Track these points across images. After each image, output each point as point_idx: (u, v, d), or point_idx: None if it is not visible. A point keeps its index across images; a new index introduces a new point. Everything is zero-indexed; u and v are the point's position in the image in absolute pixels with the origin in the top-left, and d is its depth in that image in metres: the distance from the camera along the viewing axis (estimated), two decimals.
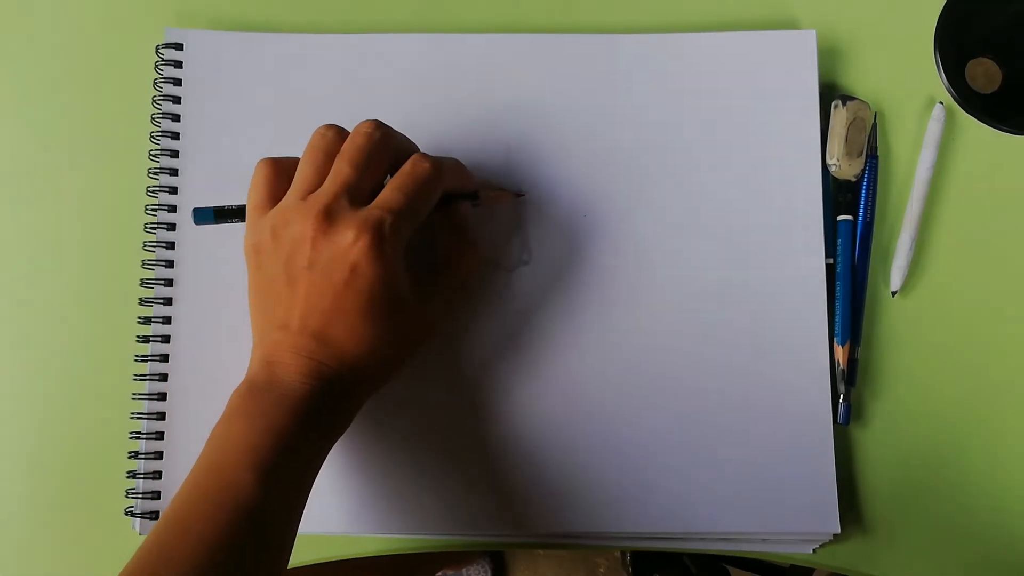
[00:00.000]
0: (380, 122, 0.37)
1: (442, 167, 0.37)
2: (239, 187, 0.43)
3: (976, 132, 0.44)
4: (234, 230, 0.43)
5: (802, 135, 0.43)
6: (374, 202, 0.35)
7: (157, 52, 0.44)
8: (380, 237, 0.34)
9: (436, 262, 0.39)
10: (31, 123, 0.45)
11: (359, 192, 0.35)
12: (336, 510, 0.40)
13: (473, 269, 0.40)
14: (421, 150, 0.38)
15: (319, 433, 0.36)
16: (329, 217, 0.34)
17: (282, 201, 0.36)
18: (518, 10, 0.46)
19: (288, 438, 0.34)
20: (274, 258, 0.35)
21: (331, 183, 0.35)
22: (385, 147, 0.37)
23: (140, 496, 0.40)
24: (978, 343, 0.43)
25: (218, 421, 0.35)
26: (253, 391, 0.35)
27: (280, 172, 0.37)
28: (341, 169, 0.36)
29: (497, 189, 0.42)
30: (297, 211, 0.35)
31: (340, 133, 0.37)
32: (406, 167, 0.37)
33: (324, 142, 0.37)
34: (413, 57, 0.44)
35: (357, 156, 0.36)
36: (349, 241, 0.34)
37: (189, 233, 0.43)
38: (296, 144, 0.43)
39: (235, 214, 0.38)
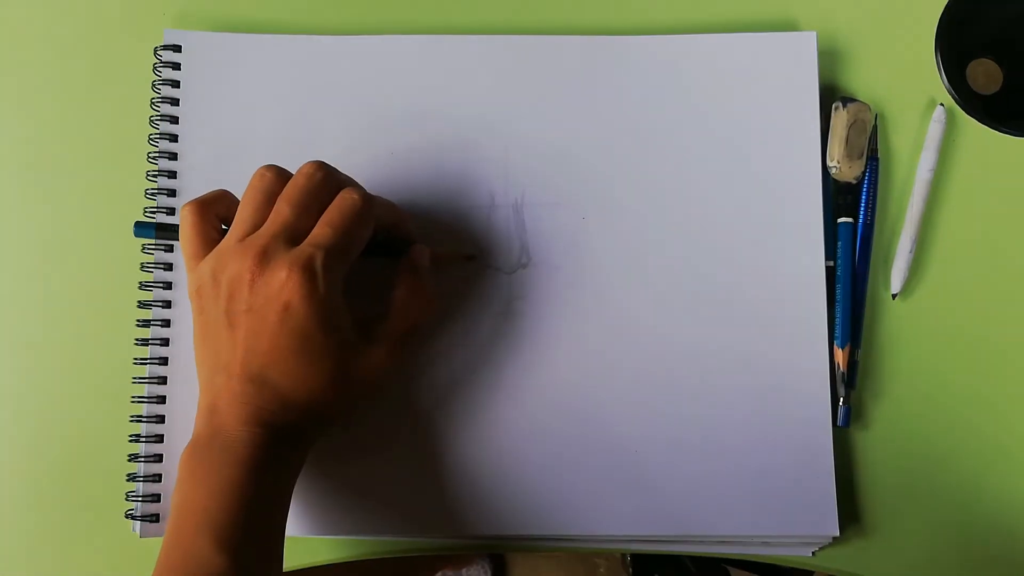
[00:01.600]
0: (322, 163, 0.36)
1: (371, 199, 0.36)
2: (238, 188, 0.43)
3: (977, 133, 0.44)
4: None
5: (802, 137, 0.43)
6: (305, 240, 0.35)
7: (155, 54, 0.44)
8: (311, 273, 0.33)
9: (387, 308, 0.38)
10: (29, 125, 0.45)
11: (297, 233, 0.35)
12: (333, 512, 0.40)
13: (424, 315, 0.39)
14: (364, 189, 0.37)
15: (271, 480, 0.35)
16: (265, 258, 0.34)
17: (221, 243, 0.36)
18: (518, 12, 0.46)
19: (240, 493, 0.33)
20: (215, 302, 0.35)
21: (269, 224, 0.35)
22: (326, 187, 0.36)
23: (140, 499, 0.40)
24: (978, 345, 0.43)
25: (175, 487, 0.35)
26: (198, 451, 0.35)
27: (206, 215, 0.37)
28: (280, 210, 0.35)
29: (449, 251, 0.42)
30: (235, 253, 0.34)
31: (280, 174, 0.36)
32: (335, 202, 0.36)
33: (263, 183, 0.36)
34: (412, 58, 0.44)
35: (297, 197, 0.35)
36: (282, 280, 0.33)
37: None
38: (295, 144, 0.43)
39: (177, 232, 0.38)
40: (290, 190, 0.36)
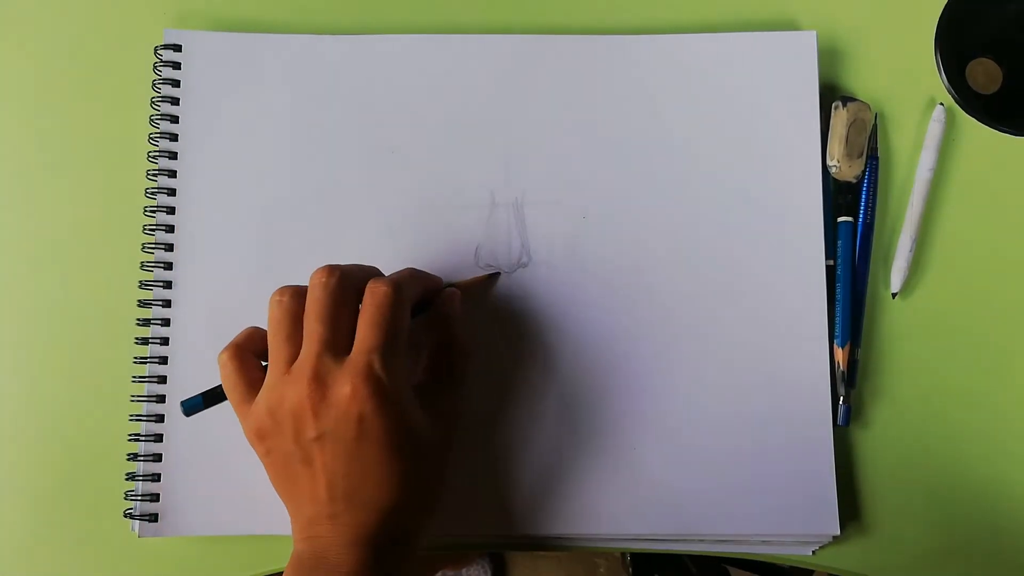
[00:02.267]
0: (331, 266, 0.35)
1: (398, 283, 0.36)
2: (237, 187, 0.43)
3: (977, 133, 0.44)
4: (231, 227, 0.43)
5: (802, 136, 0.43)
6: (354, 348, 0.34)
7: (156, 53, 0.44)
8: (375, 379, 0.33)
9: (435, 369, 0.38)
10: (29, 125, 0.45)
11: (338, 345, 0.34)
12: None
13: (468, 361, 0.39)
14: (379, 271, 0.37)
15: None
16: (319, 380, 0.33)
17: (267, 380, 0.35)
18: (518, 12, 0.46)
19: None
20: (280, 440, 0.34)
21: (308, 345, 0.34)
22: (346, 290, 0.35)
23: (139, 498, 0.40)
24: (978, 344, 0.43)
25: None
26: (303, 569, 0.34)
27: (244, 357, 0.36)
28: (313, 329, 0.34)
29: (471, 279, 0.42)
30: (287, 385, 0.34)
31: (296, 293, 0.35)
32: (366, 300, 0.35)
33: (283, 308, 0.35)
34: (413, 58, 0.44)
35: (323, 310, 0.34)
36: (347, 395, 0.33)
37: (187, 234, 0.43)
38: (295, 144, 0.43)
39: (223, 395, 0.37)
40: (313, 306, 0.35)
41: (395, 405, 0.33)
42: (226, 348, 0.36)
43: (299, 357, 0.34)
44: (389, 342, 0.34)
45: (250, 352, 0.36)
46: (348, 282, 0.35)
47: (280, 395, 0.34)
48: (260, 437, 0.35)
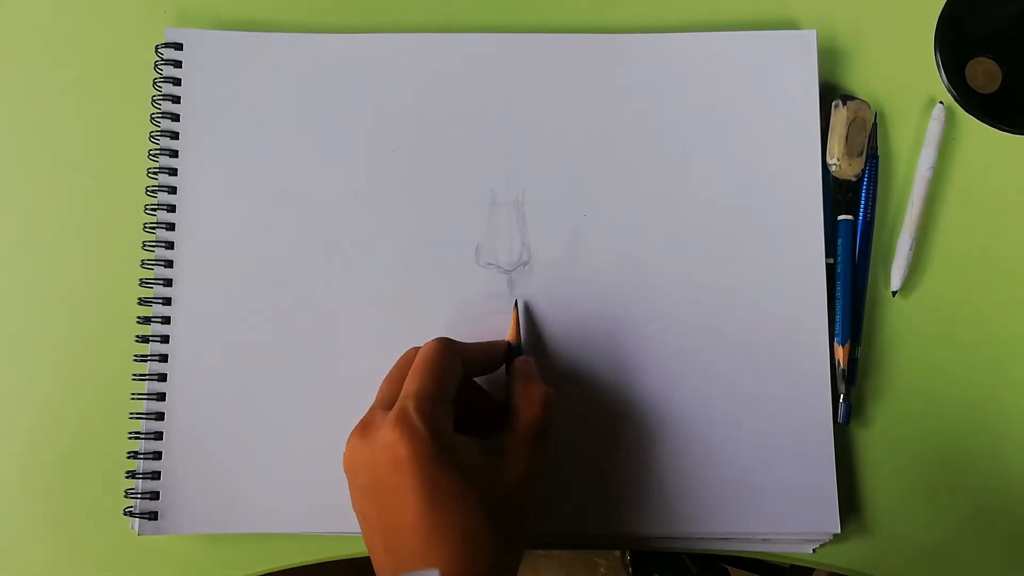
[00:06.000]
0: (439, 339, 0.36)
1: (447, 340, 0.36)
2: (238, 186, 0.43)
3: (976, 132, 0.44)
4: (231, 226, 0.43)
5: (802, 135, 0.43)
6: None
7: (156, 52, 0.44)
8: (408, 422, 0.32)
9: (509, 417, 0.37)
10: (30, 123, 0.45)
11: (391, 401, 0.35)
12: (333, 510, 0.40)
13: (545, 410, 0.36)
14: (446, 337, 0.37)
15: None
16: (364, 432, 0.34)
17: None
18: (518, 11, 0.46)
19: None
20: (350, 495, 0.35)
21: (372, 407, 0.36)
22: (413, 357, 0.36)
23: (139, 496, 0.40)
24: (978, 342, 0.43)
25: None
26: None
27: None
28: (379, 389, 0.37)
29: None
30: (348, 442, 0.35)
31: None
32: (417, 354, 0.36)
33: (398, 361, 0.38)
34: (413, 57, 0.44)
35: (390, 373, 0.37)
36: (385, 442, 0.32)
37: (187, 233, 0.43)
38: (296, 142, 0.43)
39: None
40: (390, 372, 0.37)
41: (431, 446, 0.32)
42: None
43: None
44: (426, 388, 0.34)
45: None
46: (445, 348, 0.36)
47: (345, 454, 0.35)
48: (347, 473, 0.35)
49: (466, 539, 0.31)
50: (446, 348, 0.36)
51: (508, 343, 0.40)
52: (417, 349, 0.37)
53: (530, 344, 0.41)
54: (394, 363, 0.37)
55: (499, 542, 0.32)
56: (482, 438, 0.34)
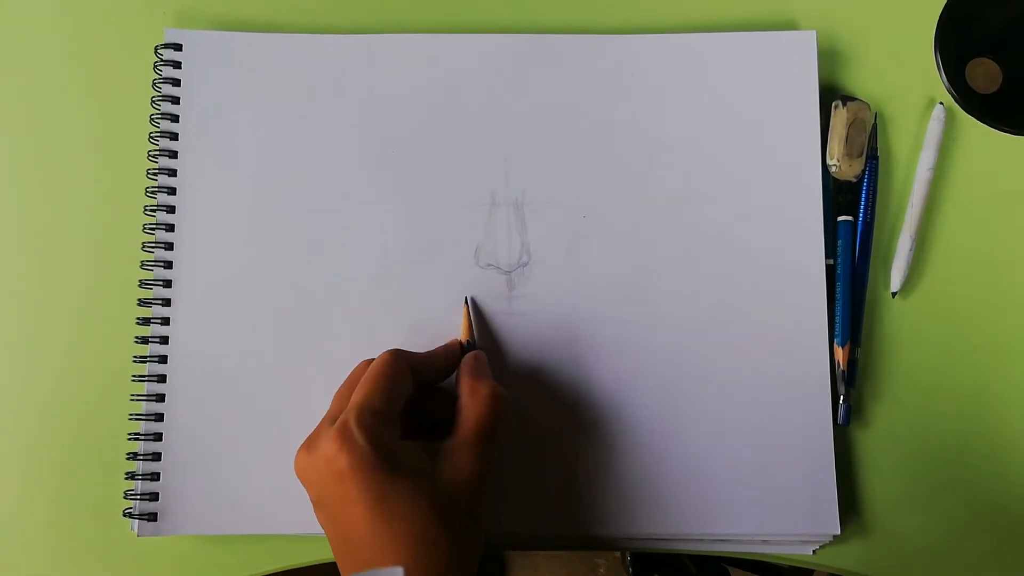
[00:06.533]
0: (392, 350, 0.36)
1: (398, 352, 0.36)
2: (238, 187, 0.43)
3: (976, 132, 0.44)
4: (231, 227, 0.43)
5: (802, 136, 0.43)
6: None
7: (156, 53, 0.44)
8: (347, 433, 0.32)
9: (454, 418, 0.36)
10: (30, 123, 0.45)
11: (338, 415, 0.34)
12: None
13: (491, 409, 0.36)
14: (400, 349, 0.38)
15: None
16: (308, 447, 0.34)
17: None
18: (518, 12, 0.46)
19: None
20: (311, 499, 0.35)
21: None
22: (363, 370, 0.36)
23: (138, 497, 0.40)
24: (978, 343, 0.43)
25: None
26: None
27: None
28: (330, 405, 0.37)
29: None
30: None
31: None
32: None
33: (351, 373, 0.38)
34: (412, 57, 0.44)
35: (340, 389, 0.37)
36: (327, 454, 0.33)
37: (187, 234, 0.43)
38: (295, 143, 0.43)
39: None
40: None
41: (367, 453, 0.32)
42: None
43: None
44: (368, 399, 0.34)
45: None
46: (394, 360, 0.36)
47: (296, 459, 0.35)
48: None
49: (418, 543, 0.32)
50: (394, 359, 0.36)
51: (461, 343, 0.40)
52: (369, 362, 0.37)
53: (530, 344, 0.41)
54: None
55: (452, 542, 0.32)
56: (430, 435, 0.35)
